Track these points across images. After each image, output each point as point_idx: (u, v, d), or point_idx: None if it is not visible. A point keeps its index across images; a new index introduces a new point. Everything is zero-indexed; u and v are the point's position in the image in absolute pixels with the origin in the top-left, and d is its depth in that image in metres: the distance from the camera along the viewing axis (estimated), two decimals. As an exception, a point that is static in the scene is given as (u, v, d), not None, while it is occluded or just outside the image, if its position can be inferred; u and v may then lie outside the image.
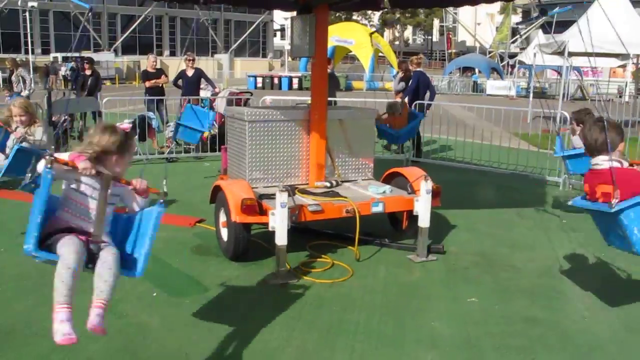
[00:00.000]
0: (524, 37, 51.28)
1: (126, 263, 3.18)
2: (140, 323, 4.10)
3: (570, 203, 4.40)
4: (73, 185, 3.15)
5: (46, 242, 3.03)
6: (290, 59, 50.75)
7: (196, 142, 10.05)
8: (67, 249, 2.93)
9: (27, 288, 4.67)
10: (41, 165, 2.97)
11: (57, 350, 3.66)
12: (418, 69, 11.28)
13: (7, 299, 4.46)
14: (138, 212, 3.34)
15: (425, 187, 5.42)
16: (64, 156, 3.07)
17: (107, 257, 3.06)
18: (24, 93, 12.78)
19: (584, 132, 4.22)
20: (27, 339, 3.83)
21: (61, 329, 2.86)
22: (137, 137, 10.50)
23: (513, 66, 38.73)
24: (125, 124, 9.70)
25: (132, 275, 3.19)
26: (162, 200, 3.21)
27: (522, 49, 35.81)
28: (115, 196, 3.28)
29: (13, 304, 4.37)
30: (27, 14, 38.62)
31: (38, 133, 6.18)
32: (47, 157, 2.95)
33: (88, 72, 12.47)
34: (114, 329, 3.98)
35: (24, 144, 5.89)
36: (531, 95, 19.05)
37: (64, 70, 36.08)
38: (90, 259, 3.05)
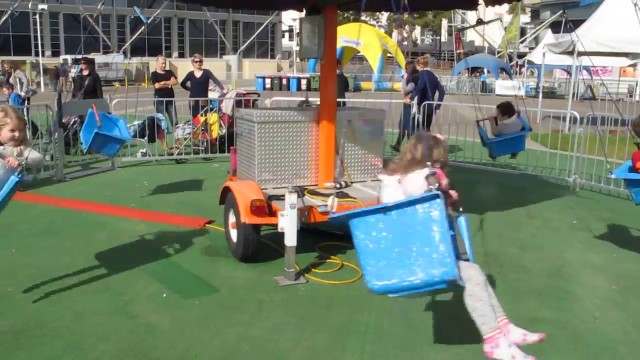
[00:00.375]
0: (532, 36, 51.06)
1: None
2: (150, 323, 4.12)
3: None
4: None
5: None
6: (298, 60, 50.77)
7: (114, 154, 8.56)
8: None
9: (37, 289, 4.70)
10: None
11: (68, 351, 3.70)
12: (425, 69, 11.26)
13: (19, 300, 4.49)
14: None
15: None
16: None
17: None
18: (22, 94, 12.83)
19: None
20: (38, 339, 3.86)
21: None
22: (146, 138, 10.57)
23: (522, 66, 38.60)
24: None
25: None
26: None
27: (531, 48, 35.66)
28: None
29: (24, 304, 4.40)
30: (37, 16, 38.92)
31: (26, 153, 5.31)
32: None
33: (85, 73, 12.34)
34: (124, 329, 4.01)
35: None
36: (540, 95, 18.95)
37: (74, 72, 36.28)
38: None
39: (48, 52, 44.31)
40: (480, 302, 3.14)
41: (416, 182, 3.12)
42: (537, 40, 44.47)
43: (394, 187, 3.33)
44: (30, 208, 7.23)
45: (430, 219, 2.87)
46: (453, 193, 3.39)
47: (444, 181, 3.13)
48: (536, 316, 4.36)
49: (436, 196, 2.86)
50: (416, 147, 3.35)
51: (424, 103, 10.80)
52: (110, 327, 4.05)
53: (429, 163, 3.03)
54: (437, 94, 11.26)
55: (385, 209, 2.95)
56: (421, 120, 10.74)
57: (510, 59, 44.80)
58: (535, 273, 5.27)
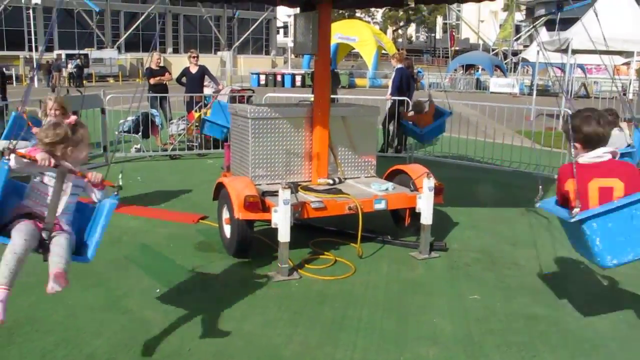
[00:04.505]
0: (527, 34, 51.18)
1: (79, 250, 3.45)
2: (143, 319, 4.12)
3: (538, 205, 4.10)
4: (37, 178, 3.40)
5: (7, 227, 3.26)
6: (293, 56, 50.76)
7: (222, 137, 9.88)
8: (18, 234, 3.15)
9: (30, 285, 4.66)
10: None
11: (60, 346, 3.70)
12: (399, 65, 11.28)
13: (12, 295, 4.46)
14: (98, 203, 3.57)
15: (428, 184, 5.43)
16: (24, 150, 3.30)
17: (60, 239, 3.28)
18: None
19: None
20: (30, 334, 3.85)
21: None
22: (140, 134, 10.54)
23: (516, 64, 38.68)
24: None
25: (81, 260, 3.43)
26: (116, 193, 3.47)
27: (526, 46, 35.75)
28: (77, 187, 3.48)
29: (17, 300, 4.37)
30: (30, 11, 38.74)
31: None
32: (6, 149, 3.19)
33: None
34: (117, 325, 4.01)
35: None
36: (534, 92, 19.00)
37: (70, 67, 36.18)
38: (40, 245, 3.27)
39: (41, 47, 44.07)
40: None
41: None
42: (531, 38, 44.58)
43: None
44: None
45: None
46: None
47: None
48: (529, 312, 4.38)
49: None
50: None
51: (397, 99, 10.79)
52: (104, 322, 4.05)
53: None
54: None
55: None
56: (395, 117, 10.74)
57: (505, 57, 44.91)
58: (528, 270, 5.30)
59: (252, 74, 39.68)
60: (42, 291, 4.49)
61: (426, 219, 5.49)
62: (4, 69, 11.24)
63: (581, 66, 28.76)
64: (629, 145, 6.93)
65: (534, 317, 4.30)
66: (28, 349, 3.67)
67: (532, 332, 4.07)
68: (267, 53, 60.07)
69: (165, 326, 4.02)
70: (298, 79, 37.37)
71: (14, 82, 34.19)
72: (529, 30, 47.66)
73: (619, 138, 6.76)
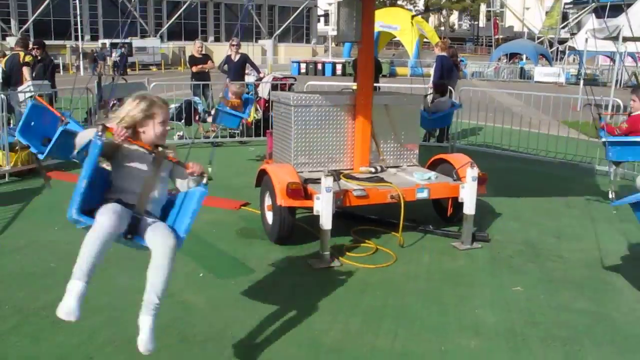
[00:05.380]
0: (574, 21, 49.82)
1: None
2: (186, 302, 4.20)
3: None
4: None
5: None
6: (333, 44, 50.61)
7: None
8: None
9: (79, 266, 4.82)
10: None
11: (108, 325, 3.81)
12: (442, 53, 11.12)
13: (62, 276, 4.58)
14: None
15: (471, 174, 5.37)
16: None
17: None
18: None
19: None
20: (81, 314, 3.96)
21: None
22: (183, 121, 10.69)
23: (563, 52, 37.73)
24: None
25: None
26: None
27: (573, 34, 34.79)
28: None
29: (66, 280, 4.52)
30: (77, 1, 39.56)
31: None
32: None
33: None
34: (161, 307, 4.08)
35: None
36: (582, 82, 18.49)
37: (114, 56, 36.86)
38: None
39: (87, 37, 45.02)
40: None
41: None
42: (579, 25, 43.36)
43: None
44: (72, 188, 7.38)
45: None
46: None
47: None
48: (573, 307, 4.30)
49: None
50: None
51: (437, 87, 10.65)
52: (149, 304, 4.14)
53: None
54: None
55: None
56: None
57: (551, 45, 43.82)
58: (573, 263, 5.19)
59: (293, 62, 39.73)
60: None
61: (469, 209, 5.43)
62: (52, 58, 11.49)
63: (632, 54, 27.87)
64: None
65: (579, 311, 4.22)
66: (77, 327, 3.77)
67: (577, 326, 3.99)
68: (308, 41, 60.02)
69: (208, 310, 4.09)
70: (338, 67, 37.25)
71: (61, 70, 35.04)
72: (576, 17, 46.36)
73: None
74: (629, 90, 7.70)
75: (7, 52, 10.86)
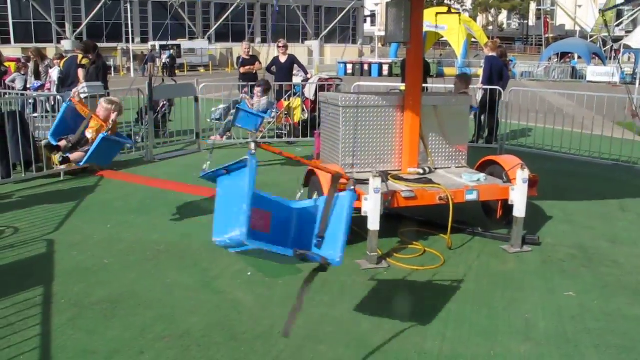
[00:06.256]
0: (630, 19, 48.26)
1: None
2: (235, 300, 4.26)
3: None
4: None
5: None
6: (380, 45, 50.42)
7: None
8: None
9: (131, 262, 4.96)
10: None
11: (159, 322, 3.89)
12: (491, 54, 10.90)
13: (115, 272, 4.76)
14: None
15: (521, 176, 5.26)
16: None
17: None
18: (47, 85, 12.42)
19: None
20: (132, 309, 4.07)
21: None
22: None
23: (617, 51, 36.59)
24: None
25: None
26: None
27: (628, 32, 33.72)
28: None
29: (120, 277, 4.66)
30: (128, 4, 40.59)
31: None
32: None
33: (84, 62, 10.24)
34: (211, 304, 4.17)
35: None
36: (638, 81, 17.89)
37: (163, 58, 37.69)
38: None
39: (137, 39, 46.11)
40: None
41: None
42: (635, 23, 42.03)
43: None
44: (123, 187, 7.62)
45: None
46: None
47: None
48: (629, 313, 4.17)
49: None
50: None
51: (487, 88, 10.47)
52: (198, 301, 4.22)
53: None
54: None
55: None
56: (487, 107, 10.44)
57: (604, 44, 42.58)
58: (628, 269, 5.03)
59: (339, 63, 39.75)
60: (143, 268, 4.80)
61: (519, 211, 5.33)
62: (104, 60, 11.83)
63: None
64: None
65: (635, 319, 4.09)
66: (130, 322, 3.89)
67: (633, 334, 3.87)
68: (354, 42, 59.94)
69: (256, 308, 4.14)
70: (385, 68, 37.10)
71: (112, 72, 36.01)
72: (632, 15, 44.94)
73: None
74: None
75: (65, 55, 11.21)
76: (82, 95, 8.96)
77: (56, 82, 10.70)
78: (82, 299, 4.22)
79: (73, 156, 5.87)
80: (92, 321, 3.89)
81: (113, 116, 6.13)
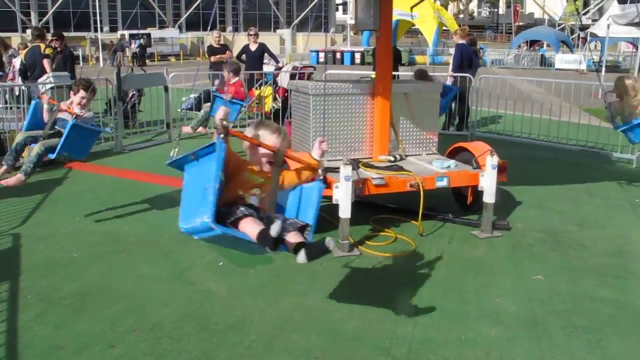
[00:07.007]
0: (596, 8, 48.98)
1: None
2: (207, 290, 4.23)
3: None
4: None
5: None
6: (352, 33, 50.36)
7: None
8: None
9: (101, 255, 4.89)
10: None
11: (129, 314, 3.84)
12: (461, 41, 10.98)
13: (84, 265, 4.68)
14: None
15: (491, 162, 5.32)
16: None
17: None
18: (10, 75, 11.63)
19: None
20: (102, 303, 4.02)
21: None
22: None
23: (585, 39, 37.14)
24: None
25: (50, 155, 3.61)
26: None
27: (595, 20, 34.23)
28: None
29: (89, 270, 4.59)
30: (95, -8, 39.81)
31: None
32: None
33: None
34: (182, 296, 4.14)
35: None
36: (603, 69, 18.20)
37: (133, 47, 37.13)
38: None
39: (106, 28, 45.29)
40: None
41: None
42: (601, 11, 42.65)
43: None
44: (92, 178, 7.50)
45: None
46: None
47: None
48: (595, 295, 4.25)
49: None
50: None
51: (457, 76, 10.54)
52: (170, 293, 4.18)
53: None
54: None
55: None
56: (457, 95, 10.50)
57: (572, 32, 43.16)
58: (595, 251, 5.13)
59: (312, 51, 39.63)
60: (113, 261, 4.73)
61: (489, 197, 5.39)
62: (71, 49, 11.57)
63: (655, 41, 27.32)
64: None
65: (601, 300, 4.17)
66: (99, 316, 3.84)
67: (599, 315, 3.95)
68: (326, 31, 59.75)
69: (229, 298, 4.11)
70: (357, 56, 37.10)
71: (81, 62, 35.36)
72: (598, 3, 45.56)
73: None
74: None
75: (29, 44, 10.91)
76: (48, 86, 8.80)
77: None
78: (50, 294, 4.14)
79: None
80: (60, 316, 3.83)
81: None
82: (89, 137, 5.80)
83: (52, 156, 5.46)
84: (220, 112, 3.11)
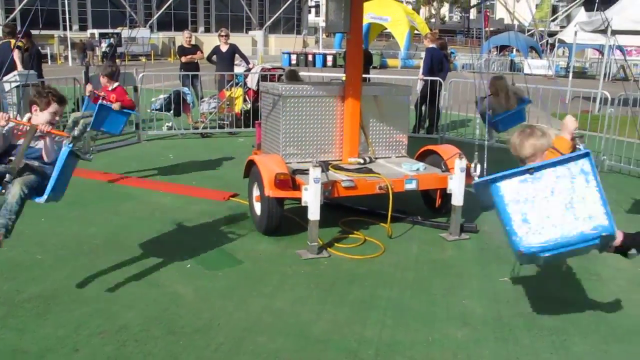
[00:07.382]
0: (564, 14, 49.96)
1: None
2: (174, 293, 4.18)
3: None
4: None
5: None
6: (324, 36, 50.43)
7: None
8: None
9: (66, 257, 4.81)
10: None
11: (94, 317, 3.78)
12: (431, 45, 11.10)
13: (48, 267, 4.60)
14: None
15: (459, 165, 5.37)
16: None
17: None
18: None
19: None
20: (67, 305, 3.94)
21: None
22: (172, 112, 10.64)
23: (553, 45, 37.84)
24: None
25: (37, 199, 3.88)
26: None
27: (563, 27, 34.89)
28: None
29: (54, 272, 4.50)
30: (65, -10, 39.13)
31: None
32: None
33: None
34: (149, 298, 4.09)
35: None
36: (570, 74, 18.56)
37: (103, 47, 36.60)
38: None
39: (76, 27, 44.56)
40: None
41: None
42: (569, 18, 43.50)
43: None
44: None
45: None
46: None
47: None
48: (559, 297, 4.33)
49: None
50: None
51: (427, 80, 10.65)
52: (136, 295, 4.13)
53: None
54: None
55: None
56: (427, 98, 10.61)
57: (541, 38, 43.93)
58: (560, 253, 5.21)
59: (284, 53, 39.54)
60: (78, 263, 4.65)
61: (457, 200, 5.44)
62: (39, 48, 11.35)
63: (620, 48, 27.98)
64: None
65: (565, 302, 4.25)
66: (64, 319, 3.76)
67: (564, 316, 4.01)
68: (299, 33, 59.73)
69: (196, 301, 4.08)
70: (329, 58, 37.11)
71: (49, 60, 34.74)
72: (566, 11, 46.45)
73: None
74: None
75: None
76: (13, 84, 8.62)
77: None
78: (13, 297, 4.05)
79: None
80: (23, 319, 3.74)
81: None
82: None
83: (39, 200, 3.99)
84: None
